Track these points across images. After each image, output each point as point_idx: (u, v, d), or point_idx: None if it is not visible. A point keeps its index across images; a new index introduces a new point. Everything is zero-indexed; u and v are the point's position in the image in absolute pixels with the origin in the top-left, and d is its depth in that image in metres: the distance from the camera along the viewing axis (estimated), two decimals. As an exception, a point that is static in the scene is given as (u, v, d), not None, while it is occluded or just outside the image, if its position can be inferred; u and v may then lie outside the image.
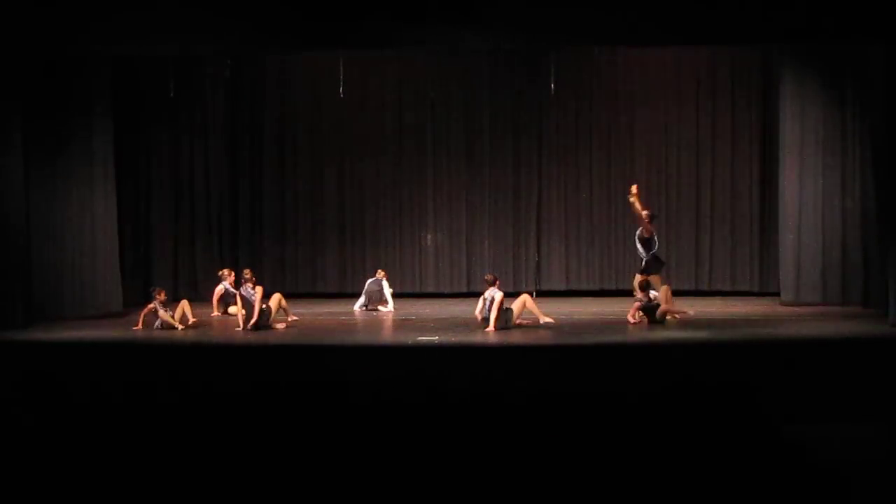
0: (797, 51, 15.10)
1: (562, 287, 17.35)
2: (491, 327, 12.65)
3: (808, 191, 15.09)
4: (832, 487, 6.19)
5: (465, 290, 17.55)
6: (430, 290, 17.31)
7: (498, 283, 13.27)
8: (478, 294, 17.21)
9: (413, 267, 17.65)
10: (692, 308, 14.34)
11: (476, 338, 12.12)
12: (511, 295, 17.19)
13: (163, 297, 13.43)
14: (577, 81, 17.13)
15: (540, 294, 17.35)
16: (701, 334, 12.08)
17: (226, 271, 15.32)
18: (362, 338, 12.86)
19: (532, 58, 16.63)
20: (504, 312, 12.86)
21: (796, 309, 14.75)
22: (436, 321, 13.90)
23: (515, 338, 12.08)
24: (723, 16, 12.45)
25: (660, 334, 12.25)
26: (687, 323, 13.16)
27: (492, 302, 12.84)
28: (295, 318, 14.19)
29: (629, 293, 17.00)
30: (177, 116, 16.96)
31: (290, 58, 17.31)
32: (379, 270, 15.77)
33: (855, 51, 14.26)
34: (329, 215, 17.70)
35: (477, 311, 13.08)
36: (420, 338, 12.14)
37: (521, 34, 12.98)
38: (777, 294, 15.77)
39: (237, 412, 9.00)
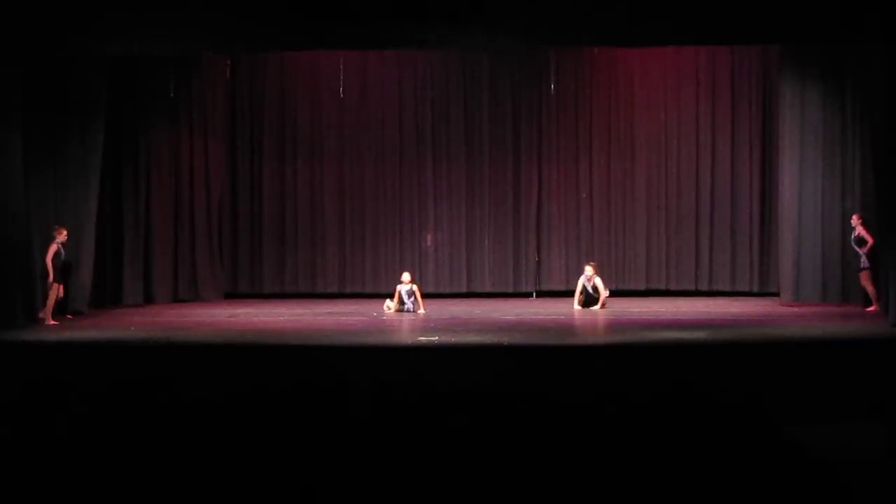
0: (797, 51, 15.10)
1: (562, 287, 17.34)
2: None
3: (808, 191, 15.09)
4: (832, 487, 6.19)
5: (465, 290, 17.56)
6: (430, 290, 17.29)
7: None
8: (477, 294, 17.36)
9: (413, 267, 17.62)
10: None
11: (476, 338, 12.10)
12: (510, 296, 17.32)
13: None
14: (577, 81, 17.14)
15: (540, 294, 17.38)
16: (701, 334, 12.06)
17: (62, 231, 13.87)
18: (362, 338, 12.84)
19: (532, 58, 16.62)
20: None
21: (796, 309, 14.74)
22: (436, 321, 13.89)
23: (515, 338, 12.06)
24: (723, 16, 12.45)
25: (659, 334, 12.23)
26: None
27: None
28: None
29: (629, 293, 17.05)
30: (177, 116, 16.94)
31: (290, 58, 17.31)
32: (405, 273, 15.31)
33: (855, 51, 14.25)
34: (329, 216, 17.70)
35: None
36: (420, 338, 12.13)
37: (521, 34, 12.97)
38: (777, 294, 15.78)
39: (236, 413, 8.98)
